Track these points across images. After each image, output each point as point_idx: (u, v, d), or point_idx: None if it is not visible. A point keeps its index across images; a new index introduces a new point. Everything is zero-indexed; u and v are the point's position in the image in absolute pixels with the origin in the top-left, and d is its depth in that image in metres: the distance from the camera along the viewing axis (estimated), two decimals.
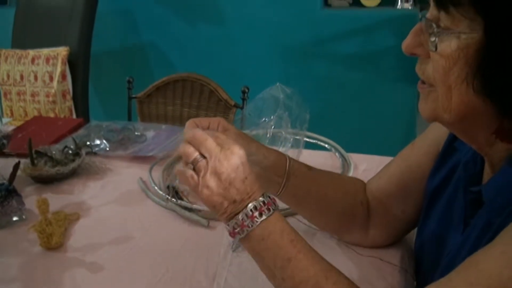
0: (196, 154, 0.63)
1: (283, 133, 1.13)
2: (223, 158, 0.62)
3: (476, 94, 0.53)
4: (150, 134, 1.45)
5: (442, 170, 0.75)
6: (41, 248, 0.92)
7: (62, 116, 2.37)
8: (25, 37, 2.39)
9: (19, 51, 2.31)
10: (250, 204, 0.61)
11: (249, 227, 0.61)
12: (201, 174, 0.62)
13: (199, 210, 1.00)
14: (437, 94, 0.57)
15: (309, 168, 0.82)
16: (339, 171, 1.19)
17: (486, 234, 0.58)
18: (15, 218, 1.02)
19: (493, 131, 0.56)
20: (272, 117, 1.16)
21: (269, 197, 0.63)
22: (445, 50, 0.53)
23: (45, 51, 2.29)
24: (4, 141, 1.17)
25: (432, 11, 0.55)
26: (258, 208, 0.61)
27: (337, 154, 1.28)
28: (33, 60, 2.30)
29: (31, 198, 1.13)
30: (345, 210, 0.83)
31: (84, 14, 2.36)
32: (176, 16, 2.62)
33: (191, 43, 2.64)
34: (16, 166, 1.07)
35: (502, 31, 0.49)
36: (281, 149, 1.15)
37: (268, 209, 0.61)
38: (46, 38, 2.35)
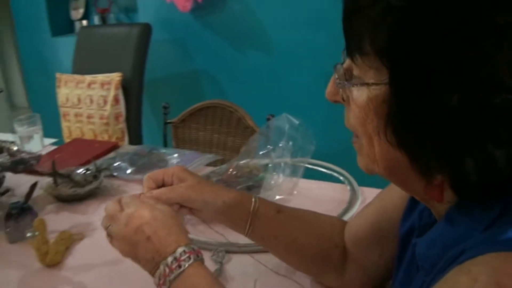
0: (107, 224, 0.71)
1: (282, 164, 1.14)
2: (123, 223, 0.68)
3: (392, 146, 0.50)
4: (172, 159, 1.50)
5: (412, 214, 0.71)
6: (40, 264, 0.98)
7: (115, 137, 2.51)
8: (84, 63, 2.57)
9: (77, 76, 2.49)
10: (161, 265, 0.65)
11: (164, 285, 0.64)
12: (112, 239, 0.70)
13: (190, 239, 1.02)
14: (363, 146, 0.55)
15: (279, 210, 0.81)
16: (345, 204, 1.16)
17: None
18: (28, 234, 1.09)
19: (422, 188, 0.52)
20: (275, 147, 1.18)
21: (184, 251, 0.65)
22: (357, 99, 0.51)
23: (100, 76, 2.45)
24: (33, 161, 1.27)
25: (347, 60, 0.53)
26: (169, 266, 0.64)
27: (348, 187, 1.25)
28: (89, 85, 2.46)
29: (50, 215, 1.21)
30: (317, 254, 0.81)
31: (138, 43, 2.51)
32: (226, 43, 2.71)
33: (239, 70, 2.70)
34: (33, 186, 1.16)
35: (405, 83, 0.46)
36: (280, 177, 1.16)
37: (179, 266, 0.64)
38: (103, 65, 2.51)
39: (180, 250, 0.65)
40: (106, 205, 0.74)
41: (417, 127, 0.47)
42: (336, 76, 0.54)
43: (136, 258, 0.68)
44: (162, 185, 0.78)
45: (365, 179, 1.28)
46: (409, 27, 0.44)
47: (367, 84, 0.50)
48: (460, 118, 0.44)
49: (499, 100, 0.42)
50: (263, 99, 2.63)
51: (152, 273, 0.66)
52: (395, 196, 0.75)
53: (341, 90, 0.54)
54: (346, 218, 1.09)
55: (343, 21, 0.51)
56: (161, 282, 0.64)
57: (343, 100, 0.56)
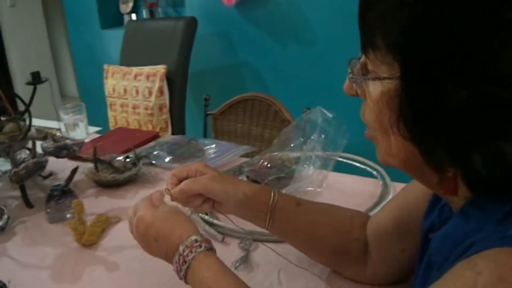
0: (130, 229, 0.80)
1: (313, 156, 1.15)
2: (135, 229, 0.76)
3: (405, 140, 0.50)
4: (210, 150, 1.54)
5: (435, 210, 0.69)
6: (77, 244, 1.04)
7: (158, 128, 2.58)
8: (131, 56, 2.65)
9: (124, 68, 2.58)
10: (173, 261, 0.70)
11: (181, 278, 0.69)
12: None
13: (220, 226, 1.05)
14: (378, 139, 0.56)
15: (299, 203, 0.83)
16: (375, 199, 1.16)
17: None
18: (68, 215, 1.16)
19: (436, 182, 0.52)
20: (307, 139, 1.18)
21: (187, 245, 0.69)
22: (372, 94, 0.52)
23: (146, 68, 2.52)
24: (76, 147, 1.33)
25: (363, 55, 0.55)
26: (178, 262, 0.69)
27: (380, 181, 1.24)
28: (135, 77, 2.54)
29: (90, 199, 1.27)
30: (336, 247, 0.82)
31: (183, 36, 2.56)
32: (269, 37, 2.72)
33: (281, 63, 2.71)
34: (74, 170, 1.22)
35: (415, 77, 0.47)
36: (310, 169, 1.16)
37: (185, 262, 0.68)
38: (149, 57, 2.58)
39: (181, 248, 0.69)
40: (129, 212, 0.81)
41: (426, 121, 0.47)
42: (349, 71, 0.56)
43: (156, 255, 0.75)
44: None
45: (400, 176, 1.27)
46: (418, 23, 0.45)
47: (380, 78, 0.51)
48: (467, 114, 0.44)
49: (507, 95, 0.42)
50: (304, 92, 2.64)
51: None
52: (419, 190, 0.74)
53: (354, 84, 0.55)
54: (375, 212, 1.08)
55: (358, 18, 0.53)
56: (180, 275, 0.70)
57: (357, 94, 0.57)
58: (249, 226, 1.03)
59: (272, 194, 0.81)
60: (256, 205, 0.80)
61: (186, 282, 0.69)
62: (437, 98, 0.45)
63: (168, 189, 0.81)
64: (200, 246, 0.69)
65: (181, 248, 0.69)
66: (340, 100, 2.05)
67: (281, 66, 2.74)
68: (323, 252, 0.83)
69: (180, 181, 0.81)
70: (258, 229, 1.01)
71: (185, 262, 0.68)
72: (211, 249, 0.71)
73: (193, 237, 0.70)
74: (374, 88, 0.52)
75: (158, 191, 0.81)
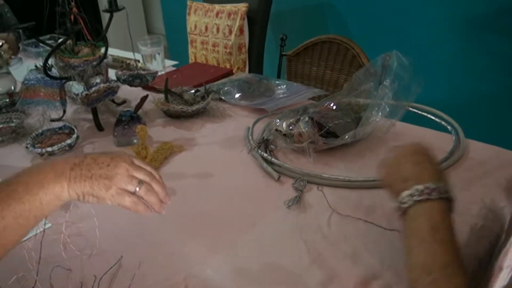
0: None
1: (383, 103, 1.09)
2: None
3: None
4: (280, 90, 1.51)
5: None
6: None
7: (236, 67, 2.58)
8: None
9: (207, 5, 2.57)
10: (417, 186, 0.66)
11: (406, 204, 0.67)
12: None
13: (277, 165, 1.04)
14: None
15: None
16: (445, 154, 1.08)
17: None
18: (135, 141, 1.20)
19: None
20: (379, 84, 1.12)
21: (434, 188, 0.65)
22: None
23: (228, 6, 2.49)
24: (149, 77, 1.36)
25: None
26: (423, 192, 0.66)
27: (454, 137, 1.16)
28: (217, 14, 2.53)
29: (157, 127, 1.31)
30: None
31: None
32: None
33: (367, 6, 2.57)
34: (144, 98, 1.25)
35: None
36: (378, 115, 1.10)
37: (428, 194, 0.65)
38: None
39: (431, 184, 0.66)
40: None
41: None
42: None
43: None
44: None
45: (475, 133, 1.17)
46: None
47: None
48: None
49: None
50: (388, 38, 2.49)
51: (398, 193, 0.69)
52: None
53: None
54: (443, 167, 1.02)
55: None
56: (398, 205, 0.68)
57: None
58: (306, 168, 1.02)
59: None
60: None
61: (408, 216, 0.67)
62: None
63: None
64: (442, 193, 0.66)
65: (431, 184, 0.66)
66: (425, 51, 1.92)
67: (366, 9, 2.59)
68: None
69: None
70: (313, 171, 1.00)
71: (428, 194, 0.65)
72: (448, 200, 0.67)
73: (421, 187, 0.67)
74: None
75: None
